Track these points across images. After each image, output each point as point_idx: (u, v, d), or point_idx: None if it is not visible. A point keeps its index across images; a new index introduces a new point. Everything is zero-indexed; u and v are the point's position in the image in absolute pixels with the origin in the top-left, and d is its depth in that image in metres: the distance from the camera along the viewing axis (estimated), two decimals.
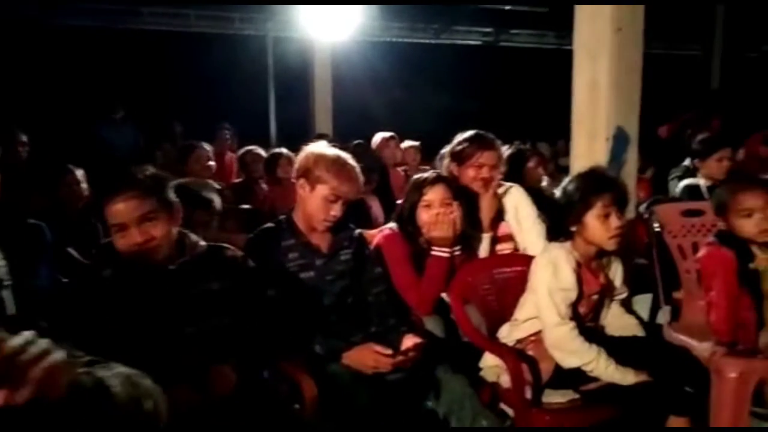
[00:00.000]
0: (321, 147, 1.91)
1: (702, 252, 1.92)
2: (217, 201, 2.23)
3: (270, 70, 8.35)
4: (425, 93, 8.82)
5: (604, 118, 2.52)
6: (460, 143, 2.43)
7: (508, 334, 1.95)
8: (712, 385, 1.83)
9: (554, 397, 1.82)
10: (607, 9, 2.44)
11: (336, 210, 1.84)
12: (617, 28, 2.42)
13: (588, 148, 2.58)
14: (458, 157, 2.41)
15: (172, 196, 1.54)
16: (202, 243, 1.62)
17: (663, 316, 2.33)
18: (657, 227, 2.22)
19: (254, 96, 8.13)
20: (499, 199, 2.46)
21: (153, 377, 0.94)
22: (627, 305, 2.06)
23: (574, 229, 1.81)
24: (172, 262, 1.52)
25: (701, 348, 1.87)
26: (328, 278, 1.92)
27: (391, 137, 4.84)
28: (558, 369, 1.80)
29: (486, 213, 2.37)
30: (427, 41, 9.55)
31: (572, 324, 1.73)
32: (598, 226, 1.75)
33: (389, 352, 1.77)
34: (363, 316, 1.96)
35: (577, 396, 1.82)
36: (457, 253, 2.16)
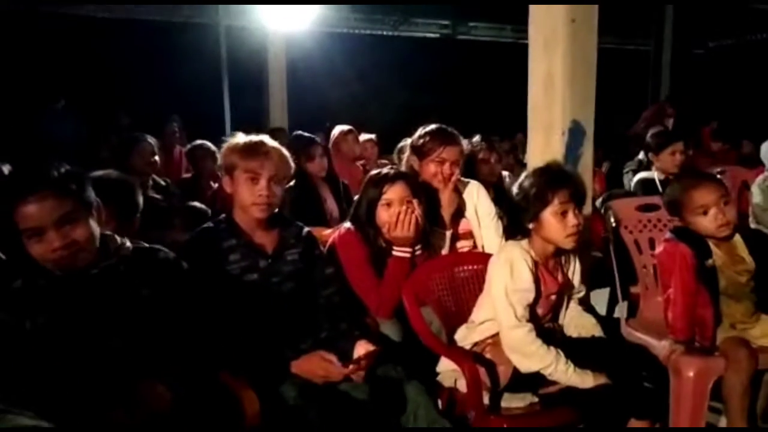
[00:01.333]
0: (234, 138, 1.79)
1: (659, 248, 1.89)
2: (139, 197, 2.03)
3: (223, 60, 8.07)
4: (383, 85, 8.72)
5: (560, 111, 2.45)
6: (421, 137, 2.35)
7: (465, 337, 1.87)
8: (671, 384, 1.80)
9: (513, 402, 1.75)
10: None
11: (262, 189, 1.71)
12: (571, 19, 2.36)
13: (544, 142, 2.52)
14: (420, 152, 2.33)
15: (91, 193, 1.38)
16: (129, 245, 1.47)
17: (620, 312, 2.31)
18: (613, 222, 2.18)
19: (207, 88, 7.85)
20: (459, 194, 2.39)
21: (76, 399, 0.80)
22: (585, 303, 2.02)
23: (530, 226, 1.74)
24: (94, 267, 1.37)
25: (659, 346, 1.84)
26: (274, 280, 1.79)
27: (350, 131, 4.69)
28: (517, 372, 1.73)
29: (446, 209, 2.30)
30: (386, 33, 9.47)
31: (530, 326, 1.67)
32: (555, 223, 1.68)
33: (335, 360, 1.66)
34: (313, 320, 1.84)
35: (536, 400, 1.76)
36: (418, 252, 2.08)
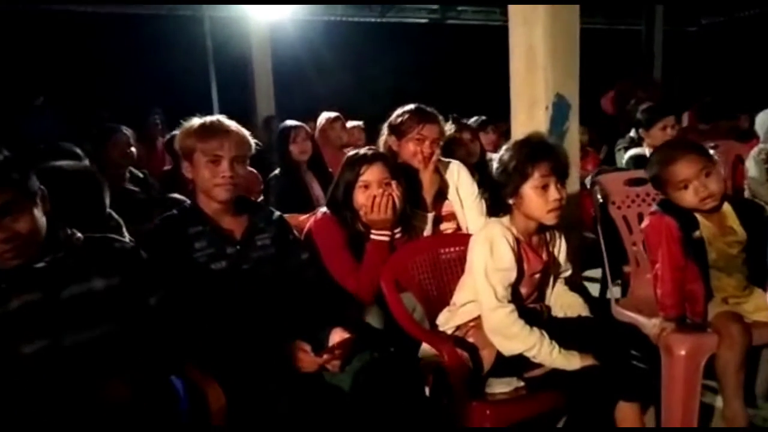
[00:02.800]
0: (189, 122, 1.71)
1: (645, 222, 1.80)
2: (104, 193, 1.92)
3: (209, 52, 7.94)
4: (371, 72, 8.59)
5: (543, 86, 2.38)
6: (399, 116, 2.27)
7: (447, 320, 1.79)
8: (662, 363, 1.72)
9: (498, 387, 1.68)
10: None
11: (224, 170, 1.63)
12: None
13: (528, 117, 2.44)
14: (397, 131, 2.25)
15: (35, 182, 1.29)
16: (79, 235, 1.38)
17: (611, 292, 2.23)
18: (601, 199, 2.09)
19: (194, 80, 7.73)
20: (440, 175, 2.31)
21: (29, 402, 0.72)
22: (573, 282, 1.94)
23: (511, 202, 1.66)
24: (40, 261, 1.28)
25: (649, 325, 1.76)
26: (244, 267, 1.71)
27: (337, 118, 4.61)
28: (501, 356, 1.65)
29: (428, 191, 2.22)
30: (373, 20, 9.32)
31: (511, 306, 1.58)
32: (536, 198, 1.60)
33: (308, 350, 1.58)
34: (288, 308, 1.76)
35: (522, 384, 1.68)
36: (397, 236, 2.00)
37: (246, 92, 6.70)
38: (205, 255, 1.66)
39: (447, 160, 2.41)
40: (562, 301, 1.79)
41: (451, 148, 2.99)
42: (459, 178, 2.32)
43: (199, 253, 1.65)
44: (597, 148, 5.04)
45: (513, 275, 1.61)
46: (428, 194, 2.22)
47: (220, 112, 6.17)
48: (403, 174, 2.13)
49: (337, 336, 1.63)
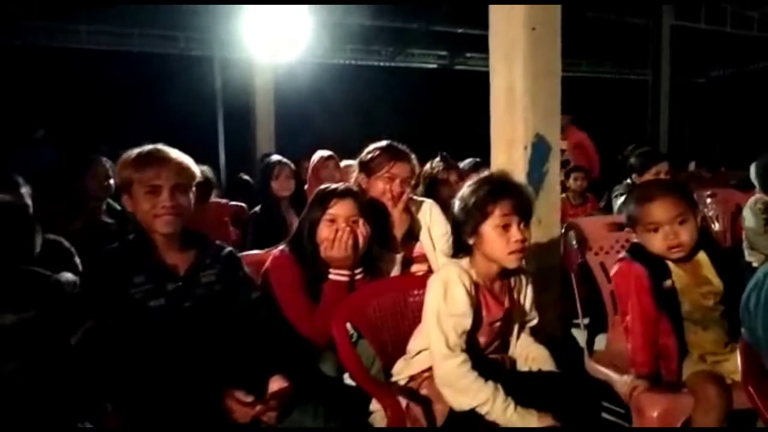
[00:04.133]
0: (126, 152, 1.63)
1: (614, 269, 1.68)
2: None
3: (218, 92, 8.08)
4: (376, 115, 8.64)
5: (522, 126, 2.30)
6: (369, 152, 2.20)
7: (401, 370, 1.66)
8: (633, 424, 1.57)
9: None
10: (520, 8, 2.25)
11: (164, 200, 1.54)
12: (531, 28, 2.22)
13: (507, 158, 2.36)
14: (367, 168, 2.18)
15: None
16: None
17: (591, 344, 2.08)
18: (574, 244, 1.97)
19: (201, 119, 7.84)
20: (411, 215, 2.22)
21: None
22: (542, 332, 1.81)
23: (471, 242, 1.55)
24: None
25: (620, 382, 1.61)
26: (186, 305, 1.60)
27: (330, 157, 4.58)
28: (455, 411, 1.51)
29: (397, 230, 2.13)
30: (382, 64, 9.45)
31: (463, 357, 1.45)
32: (497, 238, 1.49)
33: (249, 399, 1.46)
34: (228, 351, 1.64)
35: None
36: (358, 276, 1.89)
37: (248, 132, 6.75)
38: (143, 291, 1.55)
39: (420, 199, 2.32)
40: (527, 353, 1.65)
41: (435, 188, 2.92)
42: (431, 217, 2.22)
43: (136, 288, 1.55)
44: (600, 195, 4.95)
45: (467, 322, 1.49)
46: (397, 234, 2.13)
47: (225, 152, 6.21)
48: (371, 212, 2.04)
49: (275, 385, 1.51)
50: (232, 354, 1.61)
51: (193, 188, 1.65)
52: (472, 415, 1.48)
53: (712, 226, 3.27)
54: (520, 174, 2.32)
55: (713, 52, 9.54)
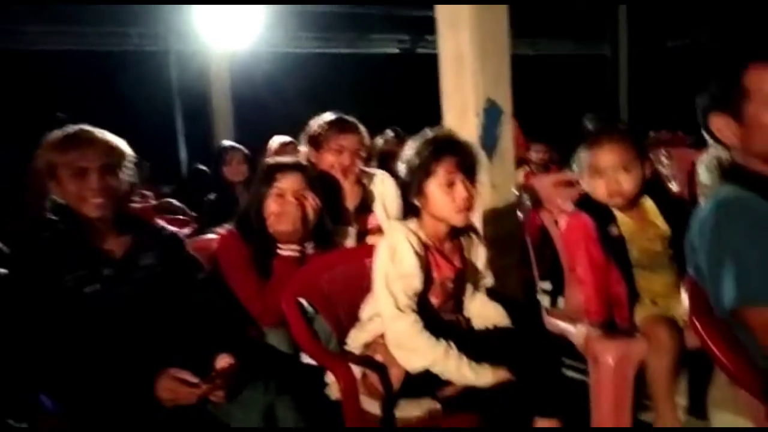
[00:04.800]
0: (49, 135, 1.55)
1: (563, 223, 1.66)
2: None
3: (174, 85, 7.91)
4: (340, 104, 8.55)
5: (472, 92, 2.28)
6: (316, 125, 2.15)
7: (355, 338, 1.62)
8: (590, 373, 1.56)
9: (410, 410, 1.50)
10: None
11: (92, 182, 1.47)
12: None
13: (459, 125, 2.33)
14: (315, 141, 2.13)
15: None
16: None
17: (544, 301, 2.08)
18: (529, 203, 1.96)
19: (160, 113, 7.66)
20: (364, 187, 2.18)
21: None
22: (502, 297, 1.79)
23: (417, 203, 1.52)
24: None
25: (576, 333, 1.60)
26: (124, 290, 1.53)
27: (290, 142, 4.52)
28: (413, 374, 1.49)
29: (350, 204, 2.09)
30: (342, 51, 9.35)
31: (414, 317, 1.42)
32: (442, 196, 1.46)
33: (194, 380, 1.40)
34: (173, 333, 1.58)
35: (437, 405, 1.51)
36: (309, 251, 1.84)
37: (207, 124, 6.62)
38: (76, 277, 1.48)
39: (372, 170, 2.28)
40: (480, 312, 1.63)
41: (388, 162, 2.88)
42: (384, 188, 2.18)
43: (69, 275, 1.48)
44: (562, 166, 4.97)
45: (417, 282, 1.46)
46: (350, 207, 2.09)
47: (186, 144, 6.05)
48: (321, 186, 2.00)
49: (221, 363, 1.46)
50: (177, 336, 1.56)
51: (126, 168, 1.58)
52: (428, 376, 1.46)
53: (669, 185, 3.31)
54: (473, 140, 2.29)
55: (669, 24, 9.69)
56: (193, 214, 3.50)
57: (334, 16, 8.06)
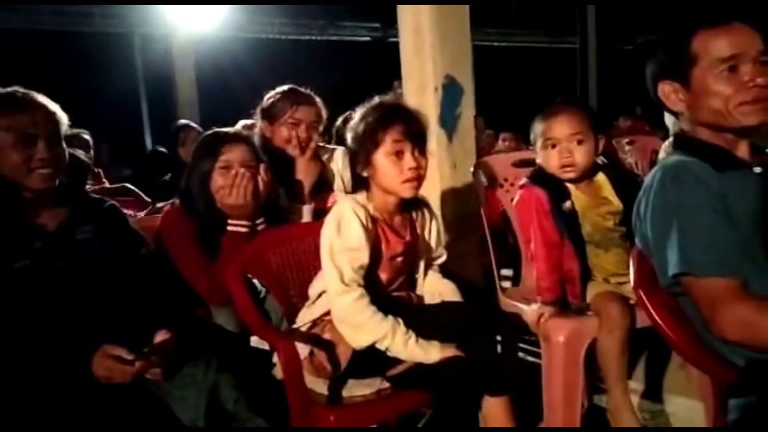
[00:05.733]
0: None
1: (515, 197, 1.63)
2: None
3: (139, 69, 7.69)
4: (310, 89, 8.44)
5: (431, 66, 2.23)
6: (271, 98, 2.07)
7: (303, 316, 1.56)
8: (542, 352, 1.53)
9: (358, 389, 1.45)
10: None
11: (41, 151, 1.37)
12: None
13: (419, 101, 2.27)
14: (269, 115, 2.05)
15: None
16: None
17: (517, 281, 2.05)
18: (485, 181, 1.92)
19: (124, 97, 7.45)
20: (322, 163, 2.11)
21: None
22: (460, 279, 1.75)
23: (365, 174, 1.46)
24: None
25: (528, 311, 1.58)
26: (60, 265, 1.44)
27: (253, 125, 4.43)
28: (361, 352, 1.44)
29: (306, 180, 2.01)
30: (313, 38, 9.22)
31: (360, 291, 1.37)
32: (390, 166, 1.40)
33: (130, 356, 1.33)
34: (113, 311, 1.50)
35: (387, 385, 1.46)
36: (260, 227, 1.77)
37: (172, 105, 6.46)
38: (3, 252, 1.38)
39: (331, 146, 2.22)
40: (434, 289, 1.59)
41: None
42: (344, 164, 2.12)
43: None
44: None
45: (363, 256, 1.40)
46: (306, 184, 2.02)
47: (150, 129, 5.88)
48: (276, 161, 1.92)
49: (157, 338, 1.38)
50: (117, 313, 1.48)
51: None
52: (377, 354, 1.41)
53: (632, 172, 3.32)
54: (432, 117, 2.25)
55: (639, 20, 9.81)
56: (147, 199, 3.38)
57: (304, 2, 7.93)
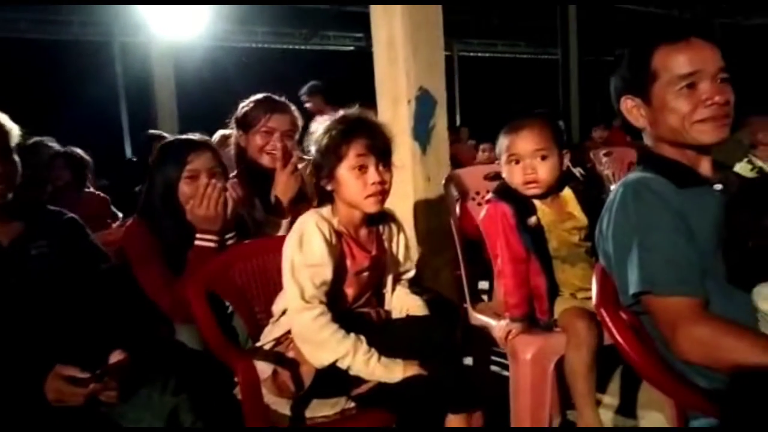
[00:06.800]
0: None
1: (482, 212, 1.61)
2: None
3: (119, 78, 7.61)
4: (294, 101, 8.41)
5: (404, 78, 2.21)
6: (244, 107, 2.03)
7: (268, 334, 1.52)
8: (510, 369, 1.51)
9: (322, 410, 1.42)
10: None
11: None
12: None
13: (393, 114, 2.26)
14: (243, 124, 2.00)
15: None
16: None
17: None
18: (456, 195, 1.90)
19: (104, 106, 7.35)
20: (302, 177, 2.06)
21: None
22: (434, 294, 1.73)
23: (330, 188, 1.43)
24: None
25: (496, 327, 1.55)
26: (12, 282, 1.39)
27: (231, 135, 4.38)
28: (324, 371, 1.40)
29: (283, 192, 1.95)
30: (296, 47, 9.20)
31: (321, 309, 1.34)
32: (353, 180, 1.38)
33: (85, 376, 1.28)
34: (69, 329, 1.45)
35: (351, 405, 1.43)
36: (230, 242, 1.72)
37: (151, 115, 6.39)
38: None
39: (309, 157, 2.18)
40: (401, 304, 1.56)
41: None
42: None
43: None
44: None
45: (326, 272, 1.37)
46: (285, 198, 1.95)
47: (130, 138, 5.78)
48: (253, 172, 1.88)
49: (112, 359, 1.34)
50: (71, 332, 1.43)
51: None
52: (342, 374, 1.38)
53: (609, 184, 3.33)
54: (406, 130, 2.24)
55: (620, 31, 9.94)
56: (118, 213, 3.32)
57: (286, 11, 7.92)
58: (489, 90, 10.25)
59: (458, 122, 8.94)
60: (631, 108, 1.13)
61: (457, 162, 5.29)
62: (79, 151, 3.35)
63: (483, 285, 2.59)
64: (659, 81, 1.08)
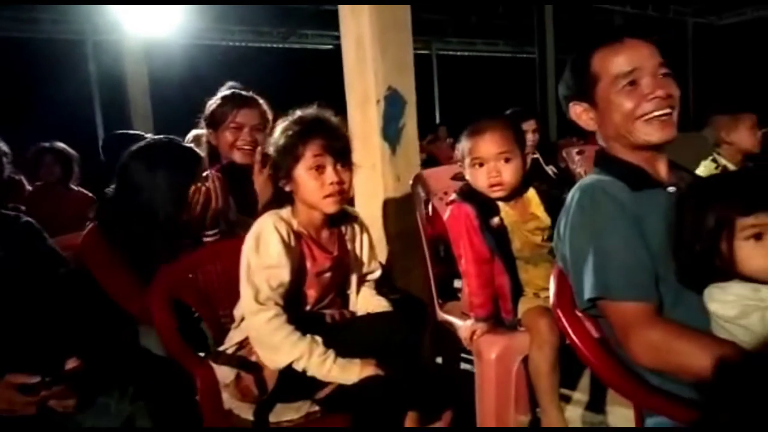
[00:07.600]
0: None
1: (446, 213, 1.61)
2: None
3: (93, 77, 7.47)
4: (273, 100, 8.34)
5: (373, 78, 2.20)
6: (212, 103, 1.99)
7: (231, 338, 1.50)
8: (475, 368, 1.51)
9: (286, 414, 1.40)
10: None
11: None
12: None
13: (362, 115, 2.25)
14: (213, 121, 1.97)
15: None
16: None
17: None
18: (423, 194, 1.89)
19: (77, 106, 7.21)
20: None
21: None
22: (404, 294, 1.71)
23: (288, 189, 1.42)
24: None
25: (462, 327, 1.55)
26: None
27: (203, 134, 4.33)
28: (287, 374, 1.38)
29: (262, 196, 1.91)
30: (274, 45, 9.13)
31: (275, 310, 1.32)
32: (311, 181, 1.36)
33: (35, 380, 1.24)
34: (22, 337, 1.41)
35: (316, 408, 1.41)
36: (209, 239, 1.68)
37: (125, 114, 6.30)
38: None
39: None
40: (366, 305, 1.54)
41: None
42: None
43: None
44: None
45: (283, 274, 1.35)
46: (261, 200, 1.92)
47: (104, 133, 5.66)
48: (225, 171, 1.84)
49: (67, 367, 1.30)
50: (25, 338, 1.39)
51: None
52: (305, 377, 1.36)
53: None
54: (375, 130, 2.22)
55: (596, 31, 10.02)
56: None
57: (264, 10, 7.85)
58: (467, 88, 10.29)
59: (437, 120, 8.96)
60: (580, 113, 1.15)
61: (435, 160, 5.27)
62: (62, 145, 3.29)
63: (459, 284, 2.60)
64: (601, 83, 1.09)
